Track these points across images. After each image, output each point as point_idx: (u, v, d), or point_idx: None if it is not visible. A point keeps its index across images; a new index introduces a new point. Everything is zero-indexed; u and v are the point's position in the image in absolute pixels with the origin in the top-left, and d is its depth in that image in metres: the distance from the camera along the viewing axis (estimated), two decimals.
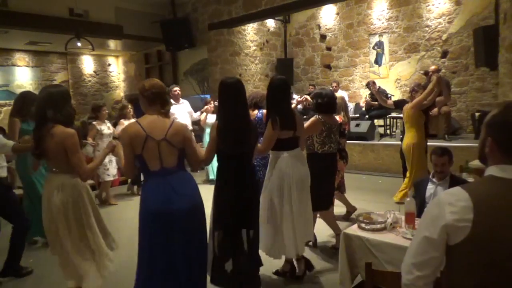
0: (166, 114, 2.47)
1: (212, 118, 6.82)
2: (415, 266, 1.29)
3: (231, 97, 2.75)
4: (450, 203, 1.21)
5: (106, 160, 5.58)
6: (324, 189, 3.62)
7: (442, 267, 1.30)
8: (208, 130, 6.81)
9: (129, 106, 6.34)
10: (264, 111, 3.77)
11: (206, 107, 6.90)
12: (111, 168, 5.92)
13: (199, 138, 7.40)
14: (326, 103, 3.58)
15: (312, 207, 3.30)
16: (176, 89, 7.00)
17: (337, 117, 3.94)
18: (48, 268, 3.69)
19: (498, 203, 1.17)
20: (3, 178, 3.49)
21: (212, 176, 7.03)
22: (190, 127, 6.55)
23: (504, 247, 1.13)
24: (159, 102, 2.45)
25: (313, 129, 3.54)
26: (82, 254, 2.63)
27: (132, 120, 5.93)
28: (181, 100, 6.99)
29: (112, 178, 6.01)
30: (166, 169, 2.38)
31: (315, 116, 3.57)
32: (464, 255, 1.20)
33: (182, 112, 6.74)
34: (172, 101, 6.89)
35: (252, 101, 4.06)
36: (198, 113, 7.02)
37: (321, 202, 3.61)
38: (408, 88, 8.89)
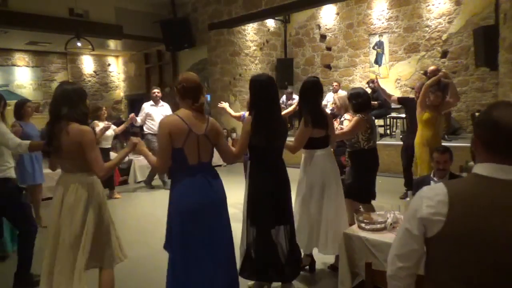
0: (198, 109, 2.44)
1: None
2: (398, 257, 1.33)
3: (264, 94, 2.82)
4: (428, 197, 1.24)
5: None
6: (368, 183, 3.74)
7: (423, 259, 1.33)
8: None
9: (104, 108, 6.11)
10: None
11: None
12: None
13: None
14: (366, 102, 3.72)
15: (358, 200, 3.59)
16: (155, 91, 6.94)
17: (348, 115, 3.95)
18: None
19: (474, 201, 1.19)
20: (13, 179, 3.32)
21: None
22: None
23: (476, 247, 1.15)
24: (191, 97, 2.43)
25: (358, 128, 3.64)
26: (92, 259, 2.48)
27: (106, 122, 5.82)
28: (161, 103, 6.91)
29: None
30: (202, 164, 2.43)
31: (358, 115, 3.65)
32: (439, 249, 1.23)
33: (160, 115, 6.62)
34: (151, 102, 6.86)
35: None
36: None
37: (366, 195, 3.73)
38: (408, 88, 8.94)
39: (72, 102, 2.46)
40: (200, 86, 2.48)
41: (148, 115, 6.78)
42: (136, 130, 7.77)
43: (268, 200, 2.77)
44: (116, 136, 6.47)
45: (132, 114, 6.19)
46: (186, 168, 2.38)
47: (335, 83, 8.79)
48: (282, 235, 2.85)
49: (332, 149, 3.44)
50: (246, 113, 3.78)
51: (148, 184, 7.12)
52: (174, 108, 6.76)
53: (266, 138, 2.75)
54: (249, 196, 2.89)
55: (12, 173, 3.26)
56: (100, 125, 5.72)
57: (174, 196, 2.42)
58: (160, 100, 6.94)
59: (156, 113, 6.72)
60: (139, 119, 6.61)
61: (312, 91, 3.18)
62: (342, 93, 8.33)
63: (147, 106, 6.85)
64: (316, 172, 3.16)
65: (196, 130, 2.36)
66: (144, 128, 6.90)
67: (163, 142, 2.33)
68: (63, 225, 2.43)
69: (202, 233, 2.39)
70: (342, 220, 3.22)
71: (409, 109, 5.52)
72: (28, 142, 3.14)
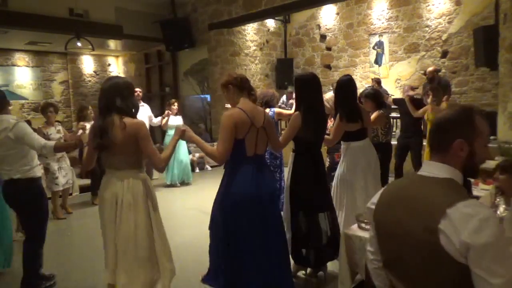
0: (255, 100, 2.63)
1: (175, 120, 6.73)
2: (368, 241, 1.54)
3: (310, 91, 3.01)
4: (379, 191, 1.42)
5: (55, 167, 5.16)
6: (382, 174, 3.92)
7: None
8: (170, 132, 6.65)
9: (90, 107, 5.86)
10: (275, 109, 4.35)
11: (167, 111, 6.72)
12: (60, 177, 5.27)
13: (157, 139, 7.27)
14: (383, 101, 4.14)
15: None
16: (138, 90, 6.65)
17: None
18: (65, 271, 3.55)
19: (392, 193, 1.34)
20: (37, 179, 3.13)
21: (168, 181, 7.08)
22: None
23: (380, 232, 1.35)
24: (247, 87, 2.59)
25: (379, 122, 3.98)
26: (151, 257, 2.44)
27: (92, 122, 5.58)
28: (141, 103, 6.69)
29: (61, 188, 5.35)
30: (257, 155, 2.56)
31: (378, 111, 3.96)
32: (377, 234, 1.39)
33: (141, 115, 6.58)
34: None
35: (263, 100, 4.33)
36: (159, 118, 6.82)
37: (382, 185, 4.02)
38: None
39: (123, 95, 2.42)
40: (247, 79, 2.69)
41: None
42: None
43: (314, 187, 2.96)
44: None
45: None
46: (243, 159, 2.50)
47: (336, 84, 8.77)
48: (325, 221, 3.02)
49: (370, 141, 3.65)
50: (275, 109, 4.08)
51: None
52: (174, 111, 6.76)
53: (313, 132, 2.96)
54: (295, 186, 3.02)
55: (36, 173, 3.10)
56: (87, 126, 5.26)
57: (231, 185, 2.52)
58: (141, 100, 6.73)
59: (139, 114, 6.55)
60: None
61: (348, 88, 3.42)
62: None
63: None
64: (352, 163, 3.38)
65: (256, 123, 2.51)
66: None
67: (228, 132, 2.41)
68: (124, 223, 2.35)
69: (257, 221, 2.51)
70: None
71: (402, 110, 5.63)
72: (52, 143, 3.02)
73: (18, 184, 2.99)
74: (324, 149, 5.17)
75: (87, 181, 7.03)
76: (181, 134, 2.52)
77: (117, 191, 2.36)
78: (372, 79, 8.59)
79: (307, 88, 3.02)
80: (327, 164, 5.22)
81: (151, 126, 6.61)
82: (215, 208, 2.72)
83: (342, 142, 3.50)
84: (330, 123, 4.04)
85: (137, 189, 2.39)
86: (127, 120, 2.38)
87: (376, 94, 4.13)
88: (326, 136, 3.27)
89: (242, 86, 2.57)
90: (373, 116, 3.94)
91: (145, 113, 6.67)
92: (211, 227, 2.81)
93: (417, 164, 5.34)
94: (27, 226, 3.21)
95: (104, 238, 2.46)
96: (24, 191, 3.04)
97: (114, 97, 2.39)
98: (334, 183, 3.55)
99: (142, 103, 6.75)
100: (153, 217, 2.45)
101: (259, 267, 2.53)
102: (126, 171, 2.40)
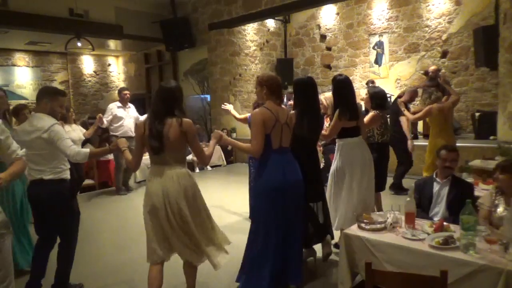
0: (279, 104, 2.90)
1: None
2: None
3: (305, 93, 3.27)
4: None
5: None
6: (380, 173, 4.06)
7: None
8: None
9: (71, 110, 5.70)
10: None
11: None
12: None
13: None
14: (384, 102, 4.24)
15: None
16: (127, 92, 6.74)
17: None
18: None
19: None
20: (68, 181, 3.07)
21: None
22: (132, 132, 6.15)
23: None
24: (277, 93, 2.88)
25: (374, 123, 4.06)
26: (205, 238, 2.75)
27: (74, 125, 5.40)
28: (128, 104, 6.71)
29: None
30: (283, 148, 2.88)
31: (374, 111, 4.04)
32: None
33: (128, 117, 6.55)
34: (118, 103, 6.59)
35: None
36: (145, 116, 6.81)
37: (380, 184, 4.15)
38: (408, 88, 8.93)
39: (176, 99, 2.64)
40: (282, 85, 3.00)
41: (115, 117, 6.49)
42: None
43: (307, 180, 3.10)
44: (87, 140, 6.06)
45: (100, 115, 5.55)
46: (270, 151, 2.82)
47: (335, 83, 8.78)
48: (320, 209, 3.39)
49: (363, 139, 3.76)
50: None
51: (126, 186, 6.88)
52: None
53: (308, 130, 3.20)
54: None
55: (67, 175, 3.06)
56: (67, 128, 4.90)
57: (262, 174, 2.85)
58: (128, 102, 6.72)
59: (124, 115, 6.53)
60: (105, 121, 6.06)
61: (349, 86, 3.60)
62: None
63: (114, 107, 6.55)
64: (348, 157, 3.53)
65: (280, 119, 2.83)
66: (110, 130, 6.61)
67: (259, 128, 2.75)
68: (176, 214, 2.60)
69: (284, 208, 2.81)
70: (368, 203, 3.54)
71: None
72: (87, 150, 3.00)
73: (49, 185, 2.90)
74: (320, 150, 5.26)
75: (87, 182, 7.05)
76: (219, 139, 2.87)
77: (167, 185, 2.58)
78: (368, 80, 8.59)
79: (304, 90, 3.29)
80: (322, 165, 5.26)
81: None
82: (252, 197, 3.15)
83: (337, 139, 3.65)
84: (327, 123, 4.06)
85: (183, 182, 2.62)
86: (180, 120, 2.59)
87: (374, 94, 4.16)
88: (322, 132, 3.48)
89: (274, 90, 2.87)
90: (367, 116, 3.99)
91: (132, 114, 6.64)
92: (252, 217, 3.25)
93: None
94: (57, 229, 3.07)
95: (150, 225, 2.68)
96: (55, 192, 2.94)
97: (169, 101, 2.60)
98: (329, 181, 3.68)
99: (129, 105, 6.70)
100: (197, 205, 2.72)
101: (278, 248, 2.84)
102: (171, 166, 2.62)
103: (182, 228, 2.63)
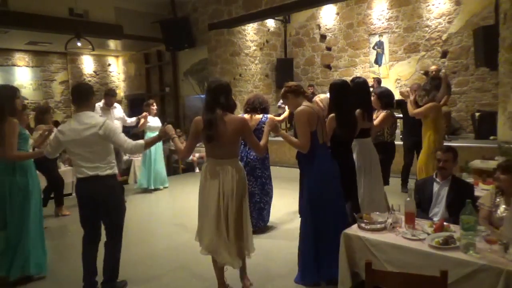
0: (309, 100, 3.12)
1: (153, 122, 6.69)
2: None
3: (344, 95, 3.33)
4: None
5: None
6: (385, 171, 4.17)
7: None
8: (150, 134, 6.54)
9: (51, 111, 5.57)
10: (268, 115, 4.31)
11: (144, 113, 6.55)
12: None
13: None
14: (391, 100, 4.26)
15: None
16: (112, 99, 6.49)
17: None
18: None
19: None
20: (114, 176, 3.08)
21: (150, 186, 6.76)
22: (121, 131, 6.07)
23: None
24: (302, 92, 3.11)
25: (387, 122, 4.13)
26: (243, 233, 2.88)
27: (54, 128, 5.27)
28: (114, 104, 6.53)
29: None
30: (325, 143, 3.10)
31: (386, 111, 4.06)
32: None
33: (113, 116, 6.39)
34: (101, 103, 6.39)
35: (261, 106, 4.41)
36: (133, 118, 6.64)
37: (385, 181, 4.18)
38: (408, 88, 8.92)
39: (226, 94, 2.82)
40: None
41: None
42: (137, 132, 7.47)
43: (344, 179, 3.23)
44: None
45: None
46: (318, 147, 2.99)
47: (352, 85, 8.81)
48: (349, 210, 3.39)
49: (372, 141, 3.84)
50: (268, 116, 4.16)
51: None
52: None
53: (347, 132, 3.32)
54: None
55: (116, 170, 3.13)
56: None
57: (312, 167, 3.02)
58: (114, 102, 6.55)
59: (109, 115, 6.34)
60: None
61: (367, 88, 3.68)
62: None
63: (97, 108, 6.32)
64: (365, 155, 3.63)
65: (320, 115, 3.03)
66: None
67: (304, 126, 2.93)
68: (229, 203, 2.77)
69: (331, 197, 3.01)
70: (377, 201, 3.62)
71: (405, 111, 5.66)
72: (142, 142, 3.09)
73: (106, 180, 2.96)
74: None
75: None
76: (273, 126, 2.95)
77: (222, 178, 2.77)
78: (373, 78, 8.62)
79: (342, 93, 3.33)
80: None
81: (124, 127, 6.41)
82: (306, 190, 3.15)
83: (354, 139, 3.64)
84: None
85: (237, 175, 2.80)
86: (232, 116, 2.80)
87: (381, 94, 4.19)
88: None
89: (297, 91, 3.08)
90: (380, 116, 4.00)
91: (118, 114, 6.52)
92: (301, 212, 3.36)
93: None
94: (111, 225, 3.09)
95: (204, 215, 2.87)
96: (112, 187, 3.03)
97: (219, 95, 2.78)
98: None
99: (114, 105, 6.56)
100: (246, 198, 2.91)
101: (327, 237, 2.99)
102: (226, 160, 2.80)
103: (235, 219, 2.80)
